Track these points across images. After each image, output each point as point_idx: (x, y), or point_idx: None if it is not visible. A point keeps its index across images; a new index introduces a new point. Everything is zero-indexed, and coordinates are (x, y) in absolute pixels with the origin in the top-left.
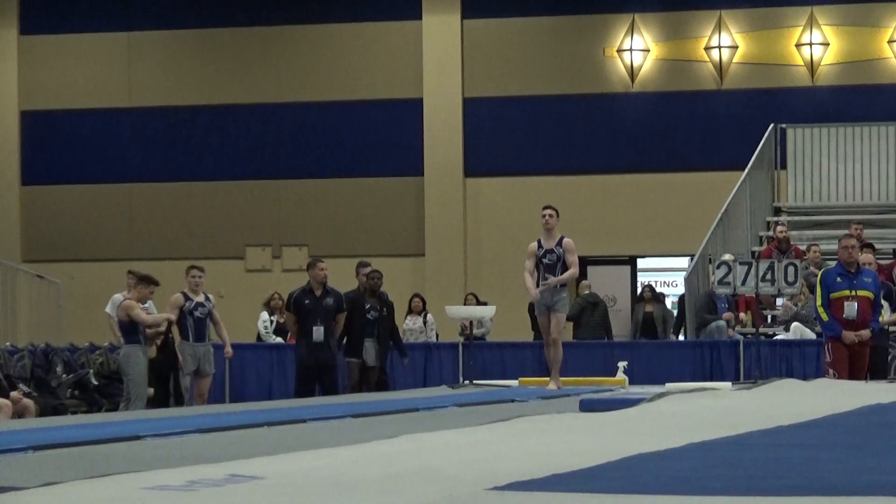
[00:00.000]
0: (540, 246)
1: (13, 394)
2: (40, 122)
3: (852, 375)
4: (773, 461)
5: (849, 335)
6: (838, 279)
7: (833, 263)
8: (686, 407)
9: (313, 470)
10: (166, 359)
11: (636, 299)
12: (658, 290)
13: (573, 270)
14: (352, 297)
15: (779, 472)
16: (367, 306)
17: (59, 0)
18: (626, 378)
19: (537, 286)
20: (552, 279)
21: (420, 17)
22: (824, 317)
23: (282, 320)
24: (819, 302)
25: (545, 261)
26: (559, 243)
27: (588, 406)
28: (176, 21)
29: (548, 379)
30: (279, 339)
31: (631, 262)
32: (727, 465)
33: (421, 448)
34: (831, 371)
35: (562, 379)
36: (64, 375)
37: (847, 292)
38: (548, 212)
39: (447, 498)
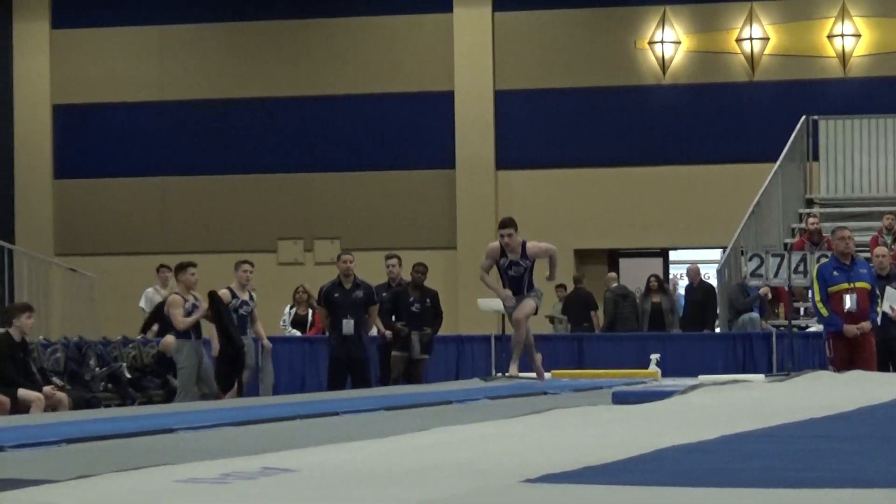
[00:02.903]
0: (504, 255)
1: (46, 388)
2: (72, 116)
3: (857, 368)
4: (806, 453)
5: (850, 329)
6: (835, 273)
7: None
8: (719, 399)
9: (346, 463)
10: (233, 353)
11: (646, 290)
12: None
13: (554, 259)
14: (396, 292)
15: (811, 464)
16: (411, 299)
17: None
18: (659, 370)
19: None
20: (554, 274)
21: (451, 10)
22: (824, 312)
23: (302, 313)
24: (818, 297)
25: (511, 272)
26: (524, 254)
27: (621, 398)
28: (207, 14)
29: (580, 371)
30: (296, 332)
31: (663, 254)
32: (760, 457)
33: (453, 441)
34: (830, 368)
35: (596, 371)
36: (97, 369)
37: (845, 285)
38: (507, 232)
39: (479, 491)
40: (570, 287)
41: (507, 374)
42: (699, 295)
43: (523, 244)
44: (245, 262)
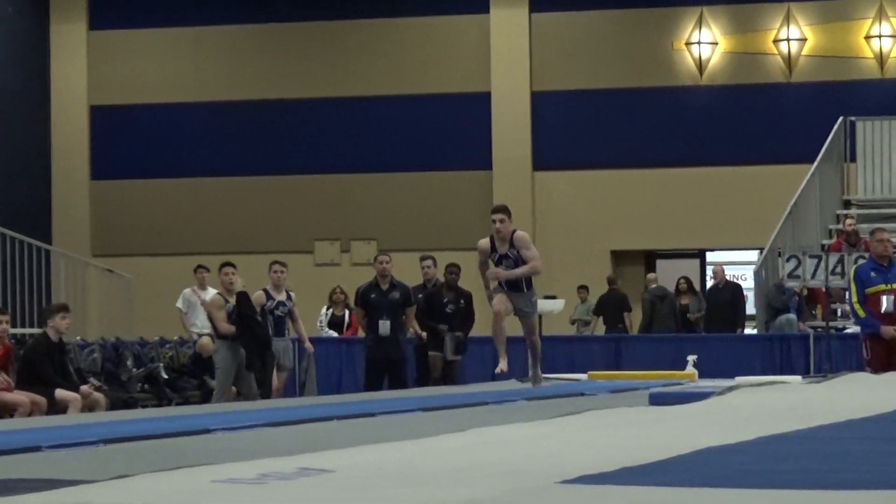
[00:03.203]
0: (494, 249)
1: (83, 388)
2: (109, 117)
3: (894, 370)
4: (843, 455)
5: (888, 330)
6: (872, 273)
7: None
8: (756, 400)
9: (382, 463)
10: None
11: (675, 292)
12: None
13: (533, 265)
14: (430, 293)
15: (848, 465)
16: (445, 300)
17: None
18: (696, 372)
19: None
20: (510, 273)
21: (488, 11)
22: (861, 313)
23: (339, 314)
24: (855, 298)
25: (502, 266)
26: (512, 244)
27: (658, 399)
28: (242, 16)
29: (617, 372)
30: (333, 333)
31: (700, 255)
32: (796, 458)
33: (490, 441)
34: (867, 369)
35: (633, 372)
36: (134, 369)
37: (883, 286)
38: (498, 217)
39: (515, 491)
40: (590, 288)
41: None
42: (727, 295)
43: (513, 233)
44: (277, 262)
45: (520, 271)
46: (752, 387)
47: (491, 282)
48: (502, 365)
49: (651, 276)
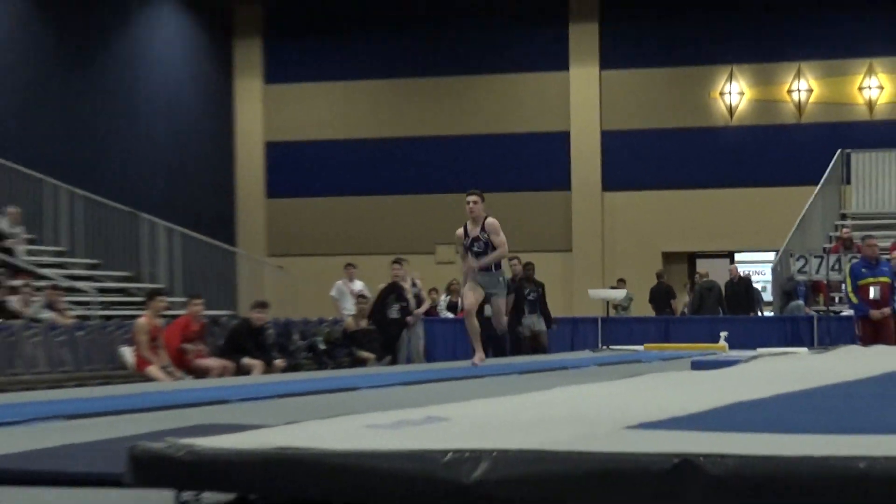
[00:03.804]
0: (466, 234)
1: (276, 361)
2: (280, 150)
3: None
4: (846, 408)
5: (875, 313)
6: (863, 270)
7: (886, 258)
8: (774, 366)
9: (488, 413)
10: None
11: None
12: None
13: (501, 251)
14: (518, 284)
15: (851, 415)
16: (527, 290)
17: (294, 56)
18: (727, 344)
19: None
20: (482, 261)
21: (567, 69)
22: (854, 300)
23: (455, 300)
24: (849, 289)
25: (475, 248)
26: (483, 228)
27: (698, 366)
28: (381, 72)
29: (666, 345)
30: (450, 314)
31: (729, 255)
32: (808, 410)
33: (570, 397)
34: (859, 343)
35: (678, 345)
36: (299, 342)
37: (871, 279)
38: (472, 198)
39: (591, 434)
40: (639, 282)
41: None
42: (741, 287)
43: (485, 218)
44: (394, 261)
45: (490, 258)
46: (770, 356)
47: (465, 274)
48: (478, 356)
49: (702, 271)
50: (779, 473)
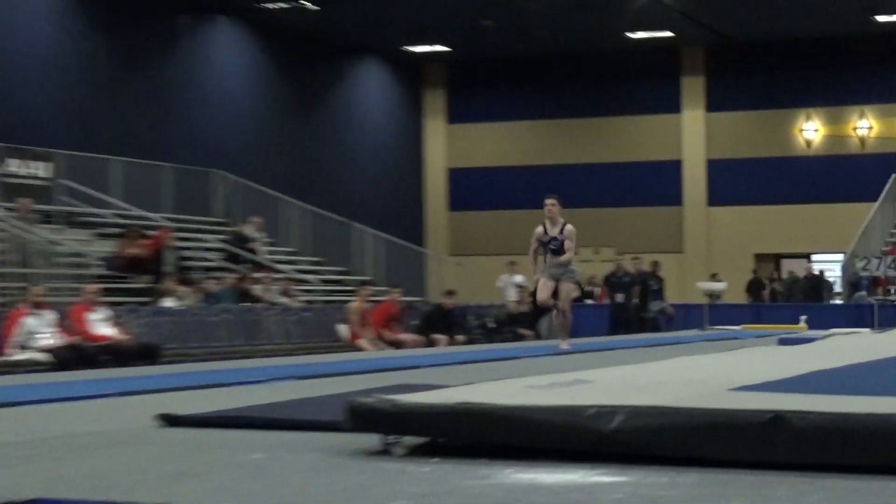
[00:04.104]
0: (546, 232)
1: (458, 337)
2: (458, 174)
3: None
4: None
5: None
6: None
7: None
8: (844, 343)
9: (622, 377)
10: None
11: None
12: (826, 273)
13: (568, 255)
14: (643, 278)
15: None
16: (652, 283)
17: (470, 103)
18: (806, 325)
19: (546, 269)
20: (563, 257)
21: (680, 112)
22: None
23: (591, 289)
24: None
25: (551, 246)
26: (562, 230)
27: (784, 342)
28: (537, 114)
29: (759, 325)
30: (590, 301)
31: (807, 256)
32: (872, 376)
33: (684, 365)
34: None
35: (768, 325)
36: (474, 322)
37: None
38: (550, 202)
39: (700, 395)
40: (736, 276)
41: (561, 349)
42: (814, 282)
43: (564, 223)
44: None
45: (566, 257)
46: (840, 335)
47: (534, 262)
48: (564, 345)
49: (790, 270)
50: (850, 427)
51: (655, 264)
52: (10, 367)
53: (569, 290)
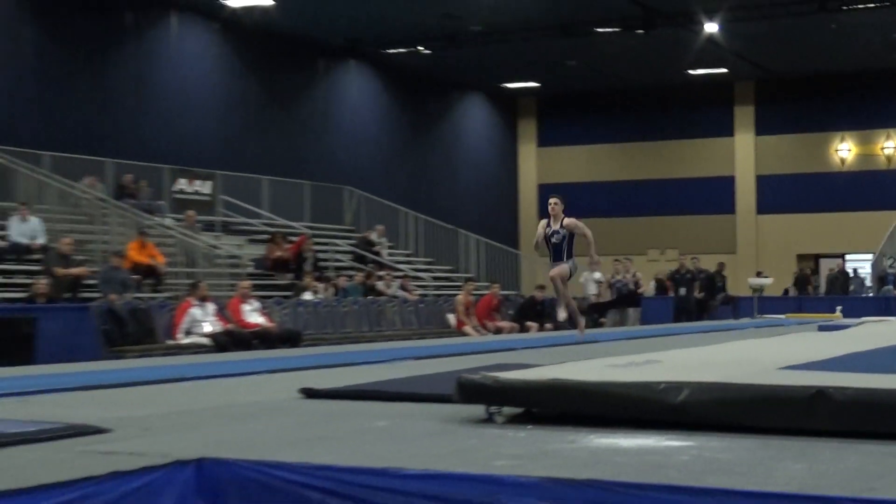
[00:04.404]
0: (549, 226)
1: (547, 325)
2: (547, 189)
3: None
4: None
5: None
6: None
7: None
8: (875, 329)
9: (687, 357)
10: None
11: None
12: (858, 270)
13: (589, 237)
14: (708, 276)
15: None
16: (716, 279)
17: (557, 129)
18: (842, 315)
19: (551, 259)
20: (592, 253)
21: (732, 135)
22: None
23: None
24: None
25: (553, 240)
26: (561, 224)
27: (823, 328)
28: (612, 138)
29: (802, 314)
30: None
31: (841, 256)
32: None
33: (738, 348)
34: None
35: (810, 314)
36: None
37: None
38: (553, 200)
39: (751, 373)
40: (781, 275)
41: (558, 320)
42: (842, 278)
43: (563, 218)
44: (617, 260)
45: (593, 253)
46: (872, 322)
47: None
48: (561, 315)
49: (832, 267)
50: (883, 401)
51: (721, 265)
52: (178, 349)
53: (564, 269)
